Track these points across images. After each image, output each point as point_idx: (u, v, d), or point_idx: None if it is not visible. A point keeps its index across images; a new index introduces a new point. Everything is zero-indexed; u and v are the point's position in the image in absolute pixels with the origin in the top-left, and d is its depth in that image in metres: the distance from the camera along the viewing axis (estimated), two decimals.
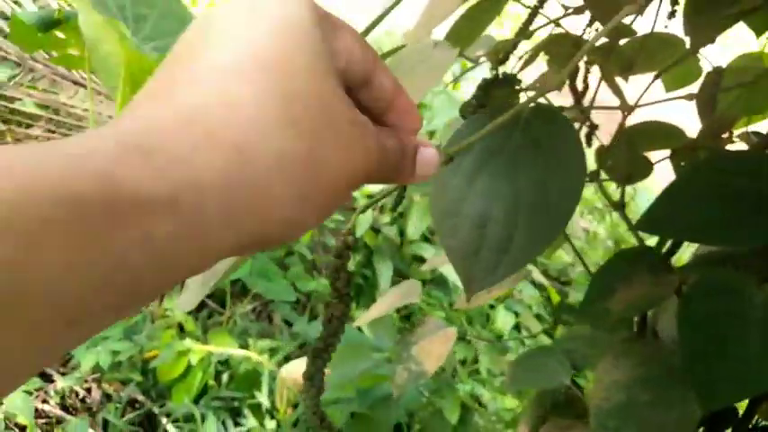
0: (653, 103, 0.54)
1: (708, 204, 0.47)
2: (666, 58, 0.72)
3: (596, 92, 0.72)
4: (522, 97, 0.52)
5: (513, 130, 0.37)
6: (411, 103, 0.25)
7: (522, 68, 0.76)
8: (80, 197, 0.14)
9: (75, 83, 1.78)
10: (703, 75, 0.71)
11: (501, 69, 0.68)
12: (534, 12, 0.66)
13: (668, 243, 0.59)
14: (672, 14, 0.68)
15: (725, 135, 0.72)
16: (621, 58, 0.72)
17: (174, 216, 0.16)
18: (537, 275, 1.13)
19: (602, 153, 0.73)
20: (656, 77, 0.71)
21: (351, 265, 0.28)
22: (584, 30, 0.68)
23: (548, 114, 0.36)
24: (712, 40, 0.65)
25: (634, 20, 0.66)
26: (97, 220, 0.14)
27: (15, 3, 2.00)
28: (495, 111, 0.38)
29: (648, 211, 0.51)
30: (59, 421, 1.06)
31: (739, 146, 0.70)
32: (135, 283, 0.15)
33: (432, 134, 1.63)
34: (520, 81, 0.39)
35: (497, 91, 0.42)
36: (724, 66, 0.69)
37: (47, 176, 0.14)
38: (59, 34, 1.08)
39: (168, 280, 0.17)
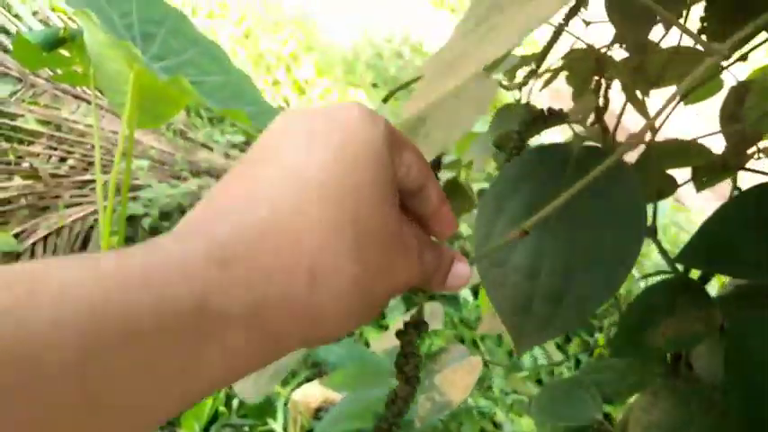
0: (705, 136, 0.51)
1: (753, 236, 0.45)
2: (687, 72, 0.70)
3: (623, 110, 0.70)
4: (555, 131, 0.49)
5: (562, 170, 0.35)
6: (451, 212, 0.26)
7: (543, 87, 0.74)
8: (174, 313, 0.16)
9: (77, 97, 1.76)
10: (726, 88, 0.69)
11: (521, 93, 0.65)
12: (559, 30, 0.64)
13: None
14: (702, 31, 0.66)
15: (750, 151, 0.70)
16: (647, 74, 0.70)
17: (251, 329, 0.17)
18: None
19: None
20: (682, 98, 0.69)
21: None
22: (609, 46, 0.66)
23: (600, 156, 0.34)
24: (744, 59, 0.63)
25: (663, 37, 0.64)
26: (185, 335, 0.16)
27: (16, 17, 1.98)
28: (542, 152, 0.36)
29: (690, 244, 0.49)
30: None
31: (766, 162, 0.68)
32: (205, 388, 0.17)
33: None
34: (567, 116, 0.37)
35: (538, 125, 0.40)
36: (743, 78, 0.67)
37: (145, 286, 0.15)
38: (63, 52, 1.06)
39: (232, 380, 0.18)
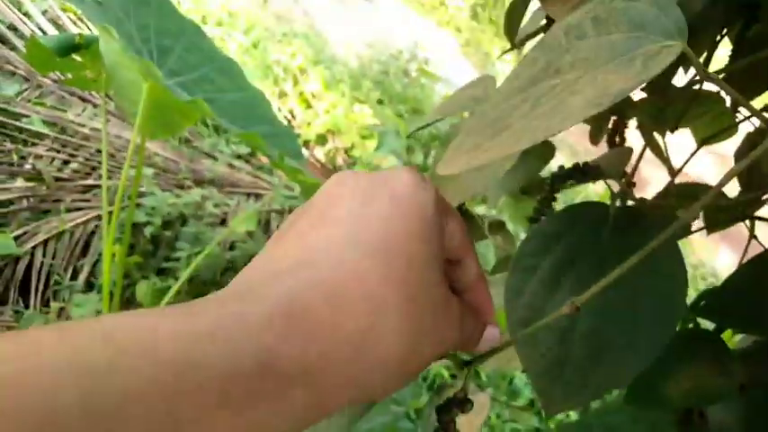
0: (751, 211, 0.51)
1: None
2: (701, 115, 0.70)
3: (642, 153, 0.69)
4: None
5: (599, 229, 0.34)
6: (488, 291, 0.27)
7: None
8: (238, 374, 0.16)
9: (84, 100, 1.75)
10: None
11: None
12: None
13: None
14: (727, 77, 0.65)
15: (766, 197, 0.69)
16: (666, 116, 0.70)
17: (307, 390, 0.18)
18: None
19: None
20: (702, 144, 0.68)
21: None
22: None
23: (640, 218, 0.34)
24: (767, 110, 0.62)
25: (693, 81, 0.64)
26: (248, 396, 0.16)
27: (26, 15, 1.97)
28: (577, 210, 0.35)
29: (712, 297, 0.48)
30: None
31: None
32: None
33: None
34: (603, 172, 0.36)
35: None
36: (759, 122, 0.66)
37: (212, 347, 0.16)
38: (75, 57, 1.05)
39: None
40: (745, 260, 0.49)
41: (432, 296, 0.21)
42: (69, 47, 0.98)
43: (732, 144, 0.68)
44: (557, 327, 0.33)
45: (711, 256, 2.99)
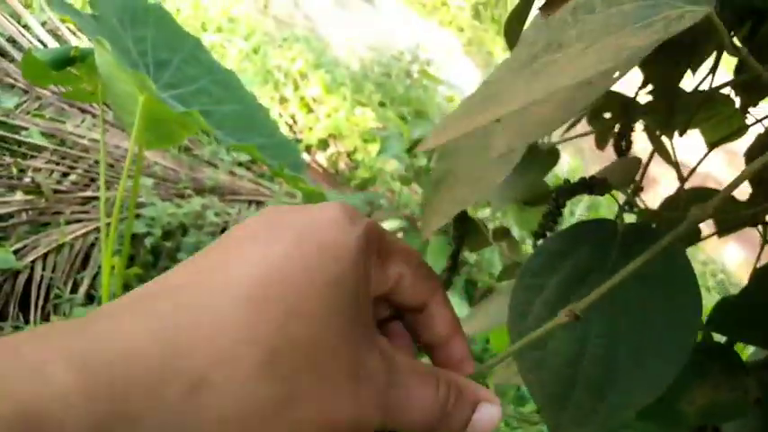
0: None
1: None
2: (710, 117, 0.69)
3: (650, 158, 0.68)
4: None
5: (607, 247, 0.32)
6: (465, 349, 0.24)
7: (567, 130, 0.72)
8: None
9: (83, 111, 1.75)
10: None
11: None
12: None
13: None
14: (736, 75, 0.64)
15: None
16: (674, 119, 0.68)
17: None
18: None
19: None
20: (712, 148, 0.67)
21: None
22: (637, 91, 0.65)
23: (649, 234, 0.32)
24: None
25: (701, 82, 0.62)
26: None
27: (25, 27, 1.97)
28: (584, 228, 0.34)
29: (723, 309, 0.47)
30: None
31: None
32: None
33: None
34: (611, 186, 0.35)
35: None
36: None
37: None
38: (72, 70, 1.04)
39: None
40: (757, 266, 0.48)
41: (320, 349, 0.17)
42: (65, 60, 0.97)
43: (742, 141, 0.66)
44: (564, 351, 0.31)
45: (720, 253, 2.97)
